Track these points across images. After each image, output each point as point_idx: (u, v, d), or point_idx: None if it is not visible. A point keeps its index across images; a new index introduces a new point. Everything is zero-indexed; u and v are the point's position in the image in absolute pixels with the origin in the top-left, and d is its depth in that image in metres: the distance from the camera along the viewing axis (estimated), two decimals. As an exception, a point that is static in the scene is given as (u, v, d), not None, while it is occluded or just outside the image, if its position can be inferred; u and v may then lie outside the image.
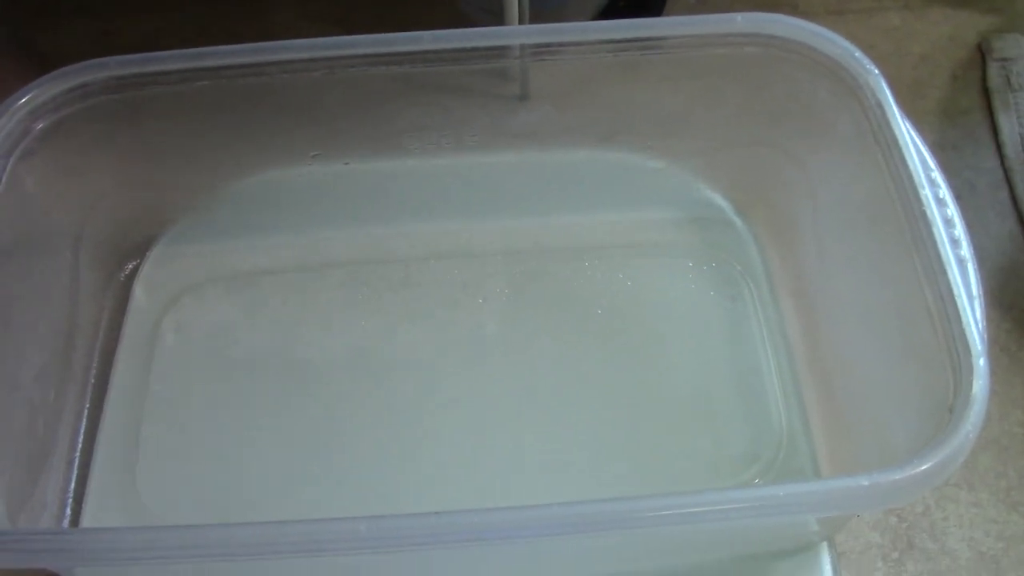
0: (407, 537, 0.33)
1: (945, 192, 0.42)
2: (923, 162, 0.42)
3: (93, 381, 0.49)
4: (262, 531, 0.34)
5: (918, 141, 0.43)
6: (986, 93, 0.62)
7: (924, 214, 0.40)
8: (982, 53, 0.64)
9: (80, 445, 0.47)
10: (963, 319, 0.37)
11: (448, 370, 0.49)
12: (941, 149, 0.59)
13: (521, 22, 0.56)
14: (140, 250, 0.53)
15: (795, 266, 0.51)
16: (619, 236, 0.54)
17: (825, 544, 0.44)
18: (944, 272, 0.39)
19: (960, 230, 0.40)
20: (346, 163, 0.54)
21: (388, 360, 0.49)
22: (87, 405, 0.48)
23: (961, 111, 0.61)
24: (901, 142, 0.43)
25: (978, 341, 0.37)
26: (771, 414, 0.47)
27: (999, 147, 0.59)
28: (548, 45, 0.48)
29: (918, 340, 0.40)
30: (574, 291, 0.51)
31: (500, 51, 0.47)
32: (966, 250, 0.40)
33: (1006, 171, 0.58)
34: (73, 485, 0.46)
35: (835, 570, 0.43)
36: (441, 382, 0.48)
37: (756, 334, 0.50)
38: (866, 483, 0.34)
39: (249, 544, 0.33)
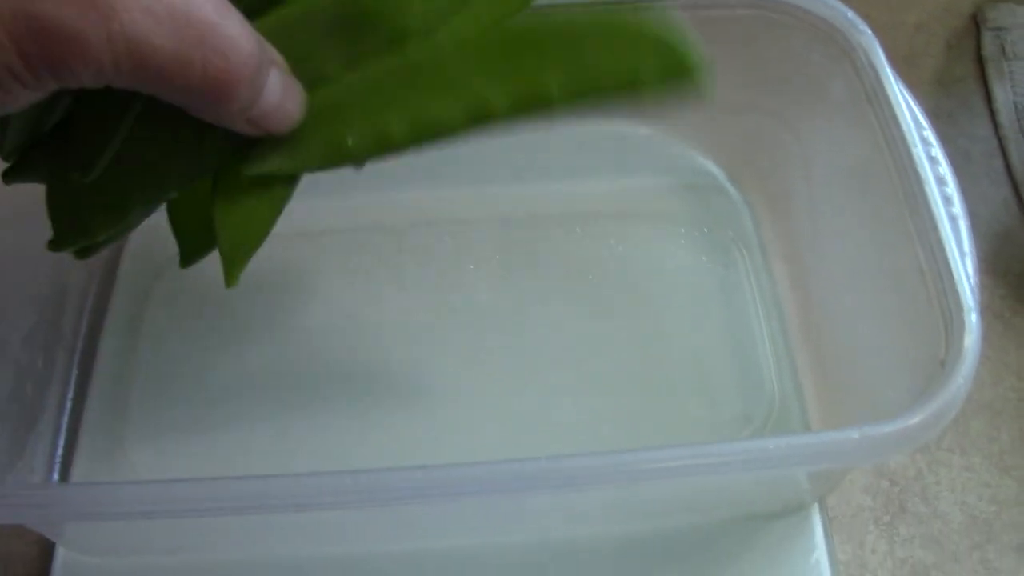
0: (393, 491, 0.33)
1: (938, 151, 0.41)
2: (916, 121, 0.42)
3: (82, 346, 0.49)
4: (249, 485, 0.33)
5: (911, 102, 0.43)
6: (980, 62, 0.61)
7: (916, 172, 0.40)
8: (976, 23, 0.63)
9: (69, 410, 0.47)
10: (955, 275, 0.37)
11: (438, 335, 0.48)
12: (936, 117, 0.58)
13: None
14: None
15: (788, 231, 0.51)
16: (611, 203, 0.53)
17: (816, 506, 0.44)
18: (936, 229, 0.39)
19: (952, 188, 0.40)
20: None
21: (379, 326, 0.49)
22: (76, 370, 0.48)
23: (956, 80, 0.61)
24: (894, 102, 0.42)
25: (969, 296, 0.37)
26: (763, 378, 0.47)
27: (993, 115, 0.59)
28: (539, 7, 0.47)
29: (910, 299, 0.40)
30: (566, 258, 0.51)
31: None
32: (958, 208, 0.40)
33: (1000, 139, 0.58)
34: (61, 451, 0.46)
35: (826, 532, 0.43)
36: (432, 348, 0.48)
37: (749, 299, 0.50)
38: (856, 436, 0.34)
39: (235, 497, 0.33)
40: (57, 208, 0.35)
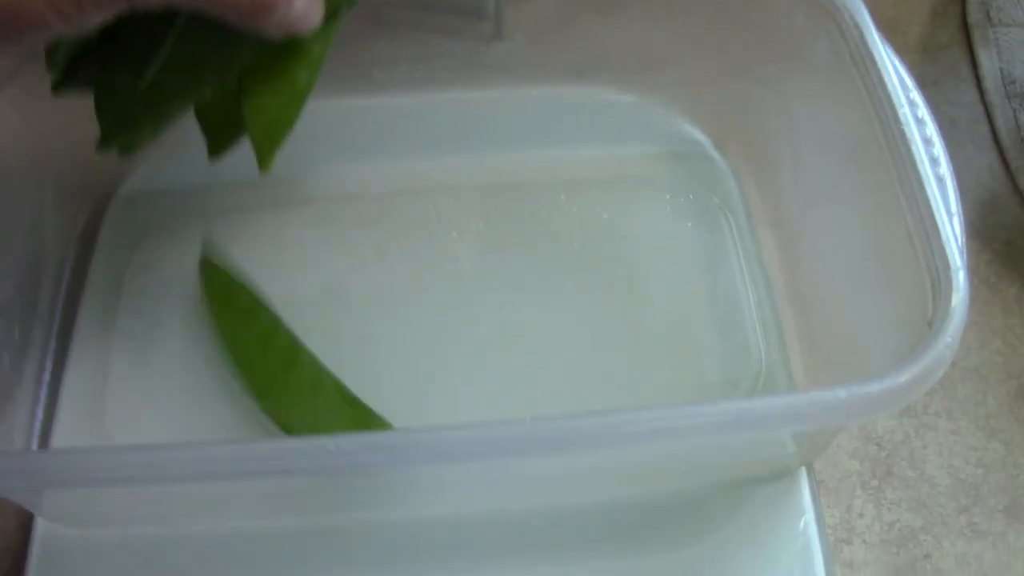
0: (373, 455, 0.33)
1: (924, 112, 0.41)
2: (902, 83, 0.42)
3: (60, 319, 0.48)
4: (228, 450, 0.33)
5: (897, 64, 0.42)
6: (966, 29, 0.61)
7: (903, 133, 0.40)
8: (962, -11, 0.63)
9: (47, 382, 0.46)
10: (942, 235, 0.37)
11: (422, 304, 0.48)
12: (921, 85, 0.56)
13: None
14: (108, 189, 0.52)
15: (774, 195, 0.50)
16: (596, 171, 0.53)
17: (804, 471, 0.43)
18: (923, 189, 0.38)
19: (939, 149, 0.40)
20: (316, 99, 0.52)
21: (361, 295, 0.48)
22: (53, 343, 0.47)
23: (941, 47, 0.61)
24: (880, 64, 0.42)
25: (957, 256, 0.36)
26: (749, 343, 0.47)
27: (979, 81, 0.59)
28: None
29: (897, 261, 0.39)
30: (550, 225, 0.51)
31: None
32: (945, 168, 0.39)
33: (986, 105, 0.58)
34: (39, 423, 0.45)
35: (814, 497, 0.43)
36: (415, 316, 0.48)
37: (735, 265, 0.49)
38: (844, 395, 0.33)
39: (215, 462, 0.32)
40: (104, 111, 0.38)
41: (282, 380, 0.43)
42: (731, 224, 0.51)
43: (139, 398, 0.46)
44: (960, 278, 0.36)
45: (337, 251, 0.50)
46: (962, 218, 0.38)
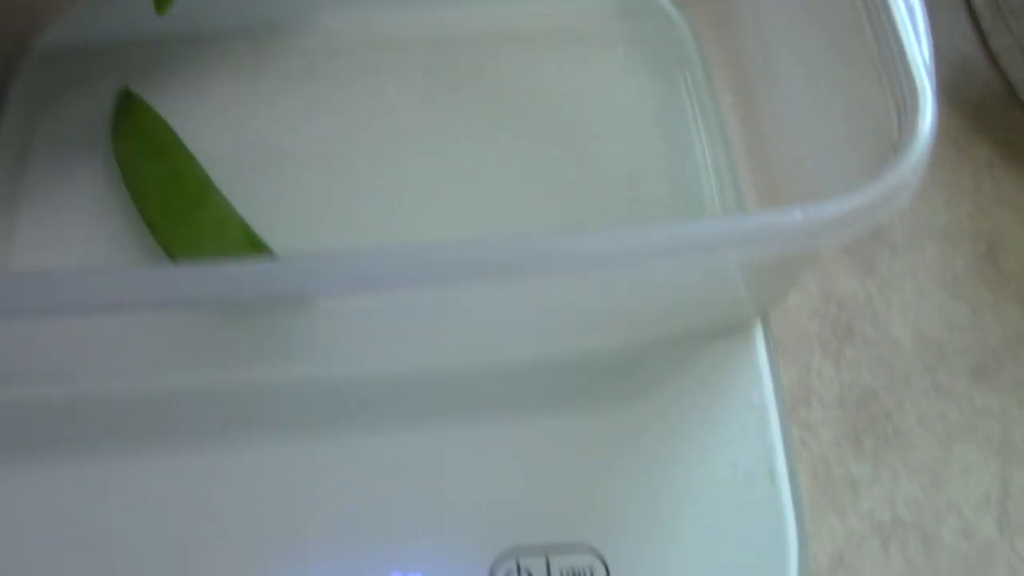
0: (279, 280, 0.30)
1: (893, -61, 0.38)
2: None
3: (-36, 176, 0.45)
4: (133, 275, 0.30)
5: None
6: None
7: (870, -40, 0.37)
8: None
9: (-51, 242, 0.43)
10: (908, 56, 0.34)
11: (357, 157, 0.45)
12: (891, -53, 0.55)
13: None
14: (19, 42, 0.48)
15: (734, 47, 0.47)
16: (546, 25, 0.49)
17: (759, 328, 0.41)
18: (890, 14, 0.35)
19: (909, -23, 0.37)
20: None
21: (291, 150, 0.45)
22: (-44, 200, 0.44)
23: (912, -91, 0.57)
24: None
25: (924, 78, 0.33)
26: (705, 201, 0.44)
27: (951, -59, 0.56)
28: None
29: (861, 98, 0.36)
30: (496, 80, 0.47)
31: None
32: (915, -2, 0.36)
33: (958, -34, 0.55)
34: (-58, 284, 0.42)
35: (770, 355, 0.40)
36: (349, 170, 0.44)
37: (690, 120, 0.46)
38: (800, 216, 0.31)
39: (118, 287, 0.29)
40: None
41: (186, 217, 0.40)
42: (688, 81, 0.48)
43: (48, 260, 0.42)
44: (927, 100, 0.33)
45: (266, 107, 0.46)
46: (932, 44, 0.35)
